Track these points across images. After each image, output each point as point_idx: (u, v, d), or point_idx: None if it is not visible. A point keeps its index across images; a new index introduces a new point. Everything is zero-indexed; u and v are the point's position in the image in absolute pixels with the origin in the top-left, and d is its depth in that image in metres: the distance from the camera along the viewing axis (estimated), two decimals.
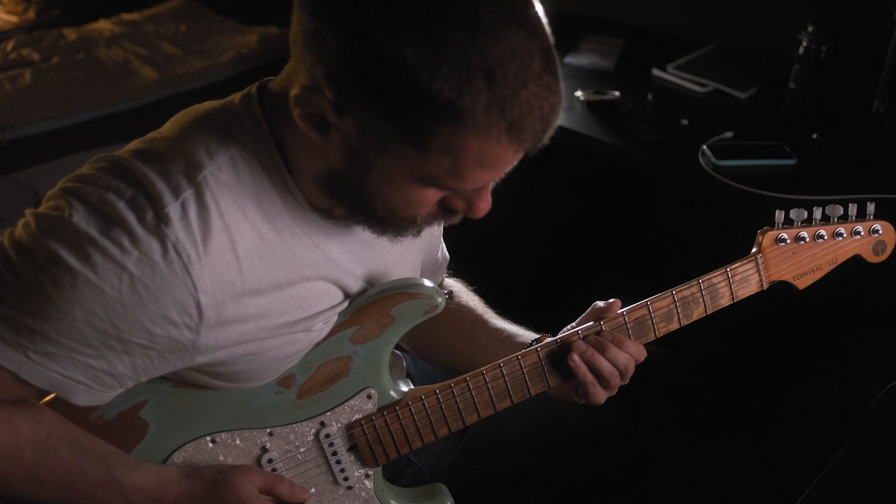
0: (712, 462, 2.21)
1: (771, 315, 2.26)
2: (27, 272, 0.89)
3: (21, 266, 0.90)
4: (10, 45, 3.33)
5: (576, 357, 1.12)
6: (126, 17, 3.60)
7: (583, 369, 1.12)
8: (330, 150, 0.91)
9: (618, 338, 1.14)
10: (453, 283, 1.40)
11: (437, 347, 1.33)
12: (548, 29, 0.85)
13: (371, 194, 0.93)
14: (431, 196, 0.93)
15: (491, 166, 0.87)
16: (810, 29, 1.99)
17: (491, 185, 0.96)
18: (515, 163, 0.90)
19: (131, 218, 0.89)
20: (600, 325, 1.15)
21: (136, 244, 0.89)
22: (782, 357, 2.47)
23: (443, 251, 1.36)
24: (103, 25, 3.52)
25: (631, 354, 1.14)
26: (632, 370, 1.14)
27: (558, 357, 1.15)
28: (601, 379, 1.13)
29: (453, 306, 1.35)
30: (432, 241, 1.29)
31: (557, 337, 1.16)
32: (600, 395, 1.15)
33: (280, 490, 1.11)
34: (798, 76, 2.04)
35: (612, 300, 1.17)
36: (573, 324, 1.20)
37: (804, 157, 1.88)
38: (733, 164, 1.85)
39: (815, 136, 1.97)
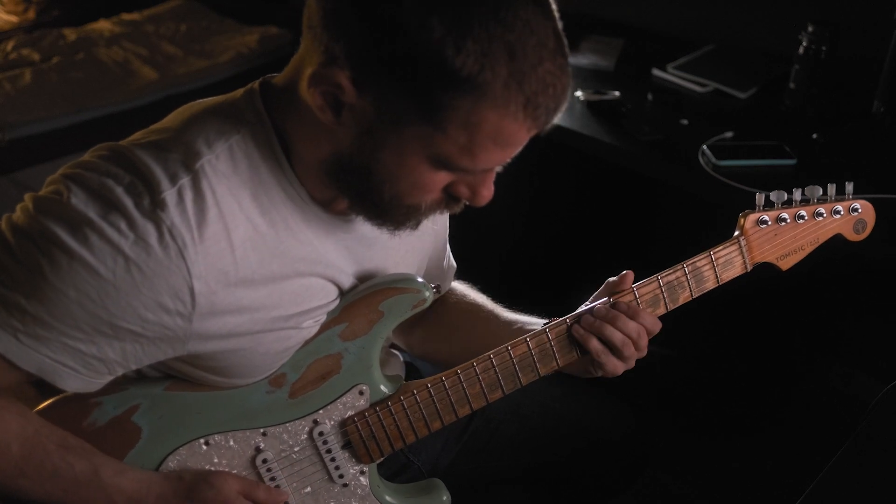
0: (712, 462, 2.21)
1: (771, 314, 2.26)
2: (23, 252, 0.90)
3: (17, 246, 0.90)
4: (10, 45, 3.34)
5: (580, 329, 1.13)
6: (126, 17, 3.61)
7: (591, 340, 1.13)
8: (341, 132, 0.91)
9: (633, 308, 1.14)
10: (457, 285, 1.40)
11: (450, 346, 1.32)
12: (558, 14, 0.87)
13: (379, 178, 0.93)
14: (439, 180, 0.93)
15: (504, 144, 0.89)
16: (810, 29, 1.98)
17: (495, 172, 0.97)
18: (523, 145, 0.91)
19: (129, 202, 0.90)
20: (609, 299, 1.15)
21: (132, 227, 0.89)
22: (782, 356, 2.47)
23: (449, 259, 1.36)
24: (103, 25, 3.53)
25: (644, 325, 1.14)
26: (645, 341, 1.15)
27: (570, 334, 1.15)
28: (614, 349, 1.13)
29: (464, 305, 1.35)
30: (438, 246, 1.29)
31: (567, 317, 1.16)
32: (616, 365, 1.15)
33: (258, 494, 1.11)
34: (798, 76, 2.04)
35: (624, 272, 1.18)
36: (587, 302, 1.20)
37: (804, 157, 1.88)
38: (733, 164, 1.84)
39: (815, 136, 1.97)
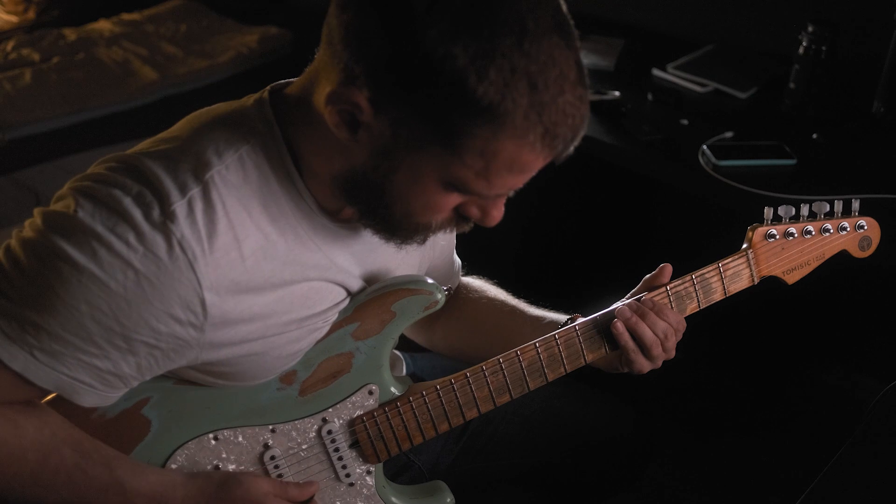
0: (712, 462, 2.21)
1: (771, 315, 2.26)
2: (33, 268, 0.89)
3: (27, 262, 0.90)
4: (10, 45, 3.33)
5: (619, 325, 1.15)
6: (126, 17, 3.61)
7: (625, 336, 1.14)
8: (356, 150, 0.91)
9: (658, 306, 1.16)
10: (474, 281, 1.41)
11: (476, 341, 1.33)
12: (580, 44, 0.87)
13: (392, 196, 0.93)
14: (451, 201, 0.94)
15: (519, 171, 0.89)
16: (810, 29, 1.99)
17: (506, 195, 0.97)
18: (537, 170, 0.92)
19: (137, 214, 0.89)
20: (641, 296, 1.18)
21: (141, 240, 0.89)
22: (782, 357, 2.47)
23: (455, 259, 1.37)
24: (103, 25, 3.52)
25: (670, 324, 1.15)
26: (672, 341, 1.16)
27: (600, 330, 1.17)
28: (643, 347, 1.15)
29: (485, 300, 1.35)
30: (445, 249, 1.30)
31: (599, 313, 1.18)
32: (643, 364, 1.17)
33: (289, 492, 1.11)
34: (798, 76, 2.04)
35: (661, 265, 1.20)
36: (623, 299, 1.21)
37: (804, 157, 1.88)
38: (733, 164, 1.85)
39: (815, 136, 1.97)
